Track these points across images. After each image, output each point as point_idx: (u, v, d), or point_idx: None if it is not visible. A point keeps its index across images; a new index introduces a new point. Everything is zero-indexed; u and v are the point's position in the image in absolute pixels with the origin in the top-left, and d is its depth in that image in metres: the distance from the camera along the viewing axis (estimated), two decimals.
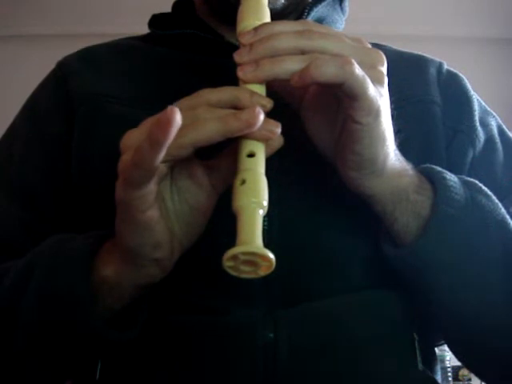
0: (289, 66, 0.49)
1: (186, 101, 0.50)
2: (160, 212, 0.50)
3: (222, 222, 0.49)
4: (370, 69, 0.51)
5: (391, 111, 0.54)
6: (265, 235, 0.46)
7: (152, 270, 0.53)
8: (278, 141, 0.50)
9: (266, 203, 0.46)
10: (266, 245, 0.45)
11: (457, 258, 0.56)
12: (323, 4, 0.72)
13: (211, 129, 0.46)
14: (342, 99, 0.51)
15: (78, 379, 0.63)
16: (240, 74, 0.50)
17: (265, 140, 0.49)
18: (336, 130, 0.55)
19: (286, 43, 0.50)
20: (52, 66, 0.75)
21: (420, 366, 0.62)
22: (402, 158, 0.58)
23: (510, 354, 0.60)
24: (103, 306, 0.54)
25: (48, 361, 0.57)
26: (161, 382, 0.59)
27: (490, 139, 0.72)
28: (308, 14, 0.71)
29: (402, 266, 0.58)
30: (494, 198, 0.59)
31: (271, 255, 0.45)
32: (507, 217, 0.59)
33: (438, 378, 0.67)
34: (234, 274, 0.46)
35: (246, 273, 0.46)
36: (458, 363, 0.68)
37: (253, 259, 0.45)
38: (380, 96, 0.51)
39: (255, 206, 0.46)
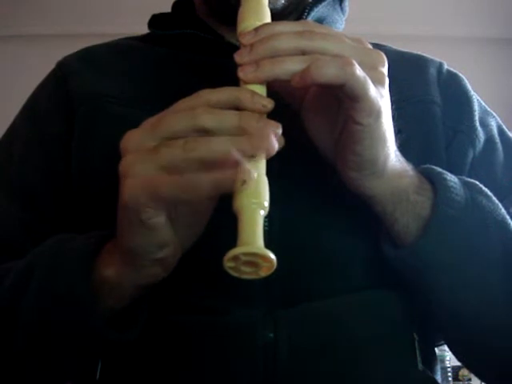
0: (289, 67, 0.49)
1: (186, 101, 0.49)
2: (166, 214, 0.50)
3: (222, 222, 0.49)
4: (371, 69, 0.51)
5: (392, 112, 0.54)
6: (265, 235, 0.46)
7: (154, 269, 0.53)
8: (278, 141, 0.50)
9: (266, 204, 0.46)
10: (267, 245, 0.45)
11: (457, 258, 0.56)
12: (323, 4, 0.72)
13: (221, 150, 0.46)
14: (342, 100, 0.51)
15: (78, 379, 0.63)
16: (241, 74, 0.50)
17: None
18: (336, 130, 0.55)
19: (286, 44, 0.50)
20: (52, 66, 0.75)
21: (420, 366, 0.62)
22: (402, 159, 0.58)
23: (509, 354, 0.60)
24: (104, 306, 0.54)
25: (48, 361, 0.57)
26: (161, 381, 0.59)
27: (489, 139, 0.72)
28: (308, 14, 0.71)
29: (402, 267, 0.58)
30: (494, 198, 0.59)
31: (272, 256, 0.45)
32: (507, 217, 0.59)
33: (438, 378, 0.67)
34: (234, 274, 0.46)
35: (247, 273, 0.46)
36: (458, 363, 0.68)
37: (254, 260, 0.45)
38: (381, 97, 0.51)
39: (256, 206, 0.46)
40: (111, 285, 0.54)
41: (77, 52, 0.75)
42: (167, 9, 0.77)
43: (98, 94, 0.68)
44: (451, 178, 0.58)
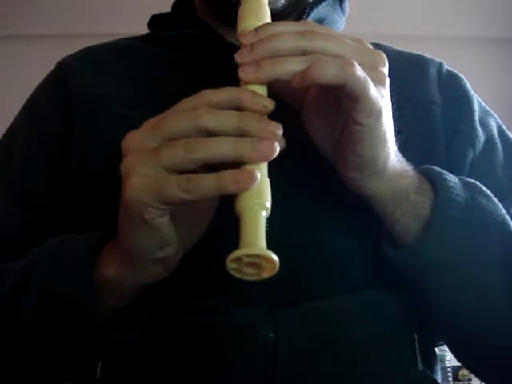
0: (290, 67, 0.49)
1: (187, 101, 0.49)
2: (169, 214, 0.50)
3: (223, 223, 0.49)
4: (372, 70, 0.51)
5: (392, 112, 0.54)
6: (266, 236, 0.46)
7: (155, 269, 0.53)
8: (279, 142, 0.50)
9: (269, 205, 0.46)
10: (267, 245, 0.45)
11: (457, 258, 0.56)
12: (324, 4, 0.72)
13: (223, 152, 0.46)
14: (343, 100, 0.51)
15: (78, 379, 0.63)
16: (241, 74, 0.50)
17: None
18: (337, 130, 0.55)
19: (286, 44, 0.50)
20: (52, 66, 0.75)
21: (420, 366, 0.62)
22: (402, 159, 0.58)
23: (509, 354, 0.60)
24: (104, 306, 0.54)
25: (48, 361, 0.57)
26: (161, 382, 0.59)
27: (489, 139, 0.71)
28: (308, 14, 0.71)
29: (403, 267, 0.58)
30: (494, 198, 0.59)
31: (275, 257, 0.45)
32: (507, 217, 0.59)
33: (438, 378, 0.67)
34: (237, 276, 0.46)
35: (250, 275, 0.46)
36: (458, 363, 0.68)
37: (256, 261, 0.45)
38: (381, 97, 0.51)
39: (258, 207, 0.46)
40: (112, 284, 0.54)
41: (77, 52, 0.75)
42: (167, 9, 0.77)
43: (98, 95, 0.68)
44: (451, 179, 0.58)
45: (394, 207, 0.57)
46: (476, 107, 0.72)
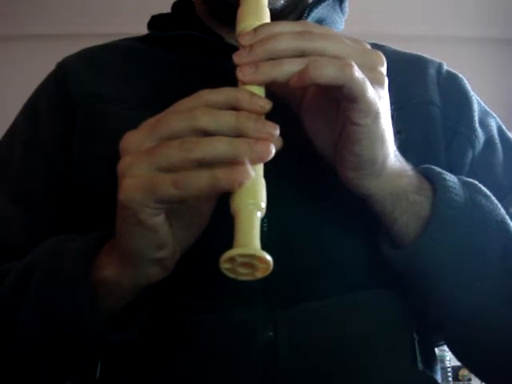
0: (288, 68, 0.49)
1: (185, 102, 0.49)
2: (165, 215, 0.50)
3: (222, 222, 0.49)
4: (370, 70, 0.51)
5: (391, 112, 0.54)
6: (265, 236, 0.46)
7: (152, 270, 0.53)
8: (276, 143, 0.50)
9: (263, 205, 0.46)
10: (266, 245, 0.45)
11: (456, 258, 0.56)
12: (323, 5, 0.72)
13: (219, 152, 0.46)
14: (341, 101, 0.52)
15: (78, 379, 0.63)
16: (239, 75, 0.50)
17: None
18: (335, 131, 0.55)
19: (285, 44, 0.50)
20: (52, 66, 0.75)
21: (420, 365, 0.62)
22: (401, 159, 0.58)
23: (509, 354, 0.60)
24: (103, 307, 0.54)
25: (48, 361, 0.57)
26: (161, 381, 0.59)
27: (489, 140, 0.71)
28: (308, 14, 0.71)
29: (402, 267, 0.58)
30: (493, 198, 0.59)
31: (269, 257, 0.45)
32: (507, 217, 0.59)
33: (438, 378, 0.67)
34: (231, 275, 0.46)
35: (244, 275, 0.46)
36: (458, 363, 0.69)
37: (250, 261, 0.45)
38: (379, 98, 0.51)
39: (253, 207, 0.46)
40: (110, 285, 0.54)
41: (77, 53, 0.76)
42: (167, 9, 0.77)
43: (98, 95, 0.68)
44: (451, 178, 0.58)
45: (393, 207, 0.57)
46: (475, 107, 0.72)
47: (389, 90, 0.53)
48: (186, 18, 0.74)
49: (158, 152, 0.47)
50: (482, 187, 0.60)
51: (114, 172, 0.49)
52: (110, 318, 0.55)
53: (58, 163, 0.67)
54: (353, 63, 0.49)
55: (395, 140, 0.56)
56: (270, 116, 0.49)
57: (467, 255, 0.57)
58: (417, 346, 0.62)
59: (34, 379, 0.59)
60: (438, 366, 0.69)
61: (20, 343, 0.56)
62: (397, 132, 0.56)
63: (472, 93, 0.74)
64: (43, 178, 0.68)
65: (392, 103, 0.54)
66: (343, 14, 0.77)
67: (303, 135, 0.57)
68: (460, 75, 0.76)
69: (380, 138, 0.53)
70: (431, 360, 0.67)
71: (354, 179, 0.55)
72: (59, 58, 0.75)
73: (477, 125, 0.71)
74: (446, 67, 0.75)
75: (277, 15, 0.63)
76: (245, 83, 0.50)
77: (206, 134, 0.47)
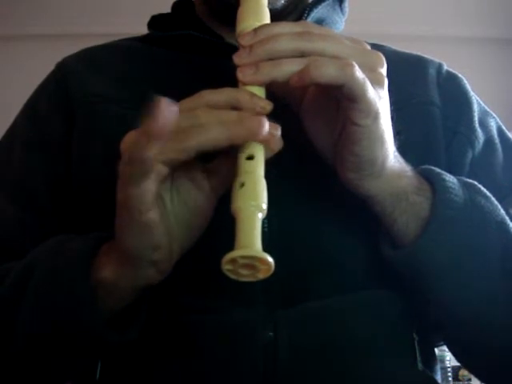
0: (288, 68, 0.49)
1: (186, 102, 0.50)
2: (160, 215, 0.50)
3: (222, 222, 0.49)
4: (370, 71, 0.51)
5: (391, 113, 0.54)
6: (265, 236, 0.46)
7: (150, 272, 0.53)
8: (277, 143, 0.50)
9: (265, 206, 0.46)
10: (267, 245, 0.45)
11: (456, 258, 0.56)
12: (323, 5, 0.72)
13: (215, 134, 0.46)
14: (341, 101, 0.52)
15: (78, 379, 0.63)
16: (239, 75, 0.50)
17: (264, 142, 0.49)
18: (335, 131, 0.55)
19: (285, 45, 0.50)
20: (52, 66, 0.75)
21: (420, 366, 0.62)
22: (401, 160, 0.58)
23: (509, 355, 0.60)
24: (103, 307, 0.54)
25: (48, 361, 0.57)
26: (161, 381, 0.59)
27: (489, 140, 0.72)
28: (308, 14, 0.71)
29: (402, 267, 0.58)
30: (493, 199, 0.59)
31: (270, 259, 0.45)
32: (506, 218, 0.59)
33: (438, 378, 0.67)
34: (232, 277, 0.46)
35: (245, 276, 0.46)
36: (458, 363, 0.68)
37: (252, 263, 0.45)
38: (379, 98, 0.51)
39: (254, 209, 0.46)
40: (109, 286, 0.54)
41: (76, 53, 0.76)
42: (167, 9, 0.77)
43: (98, 95, 0.68)
44: (450, 179, 0.58)
45: (392, 207, 0.57)
46: (475, 108, 0.72)
47: (389, 91, 0.53)
48: (186, 18, 0.74)
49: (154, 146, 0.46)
50: (482, 188, 0.60)
51: (113, 172, 0.49)
52: (109, 318, 0.55)
53: (58, 163, 0.67)
54: (353, 63, 0.49)
55: (395, 141, 0.56)
56: (271, 116, 0.49)
57: (467, 256, 0.57)
58: (417, 346, 0.62)
59: (33, 379, 0.59)
60: (438, 366, 0.69)
61: (20, 343, 0.56)
62: (396, 132, 0.56)
63: (472, 93, 0.74)
64: (43, 178, 0.68)
65: (392, 104, 0.54)
66: (343, 14, 0.77)
67: (303, 135, 0.57)
68: (460, 75, 0.76)
69: (380, 139, 0.53)
70: (431, 360, 0.67)
71: (353, 180, 0.56)
72: (59, 58, 0.75)
73: (477, 125, 0.71)
74: (445, 67, 0.75)
75: (277, 15, 0.63)
76: (245, 84, 0.50)
77: None
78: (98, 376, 0.61)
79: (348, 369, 0.58)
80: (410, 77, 0.71)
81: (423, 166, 0.60)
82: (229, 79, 0.51)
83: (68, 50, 0.78)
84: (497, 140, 0.72)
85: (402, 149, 0.58)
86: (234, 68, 0.51)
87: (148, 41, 0.75)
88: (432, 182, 0.58)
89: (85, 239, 0.57)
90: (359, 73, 0.49)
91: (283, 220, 0.59)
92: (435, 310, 0.61)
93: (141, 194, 0.48)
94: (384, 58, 0.53)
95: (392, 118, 0.55)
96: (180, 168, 0.51)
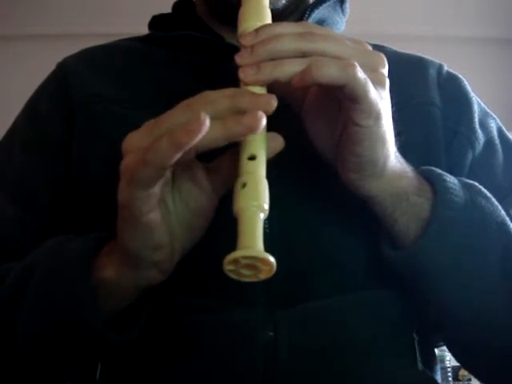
0: (290, 68, 0.49)
1: (187, 102, 0.50)
2: (161, 215, 0.50)
3: (223, 222, 0.49)
4: (372, 71, 0.51)
5: (392, 113, 0.54)
6: (266, 237, 0.46)
7: (151, 272, 0.53)
8: (279, 143, 0.50)
9: (266, 206, 0.46)
10: (267, 246, 0.45)
11: (456, 259, 0.56)
12: (324, 5, 0.72)
13: (214, 133, 0.46)
14: (342, 101, 0.52)
15: (78, 379, 0.63)
16: (241, 75, 0.50)
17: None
18: (336, 131, 0.55)
19: (287, 45, 0.50)
20: (52, 66, 0.75)
21: (420, 366, 0.62)
22: (402, 160, 0.58)
23: (509, 355, 0.60)
24: (103, 308, 0.54)
25: (48, 361, 0.57)
26: (161, 382, 0.59)
27: (489, 141, 0.72)
28: (309, 15, 0.71)
29: (402, 267, 0.58)
30: (493, 199, 0.59)
31: (272, 259, 0.45)
32: (507, 218, 0.59)
33: (438, 378, 0.67)
34: (234, 277, 0.46)
35: (247, 276, 0.46)
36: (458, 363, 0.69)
37: (253, 263, 0.45)
38: (381, 99, 0.51)
39: (256, 209, 0.46)
40: (110, 286, 0.54)
41: (76, 53, 0.76)
42: (168, 9, 0.77)
43: (98, 95, 0.68)
44: (451, 180, 0.58)
45: (393, 208, 0.57)
46: (476, 108, 0.72)
47: (390, 91, 0.53)
48: (186, 18, 0.74)
49: (152, 147, 0.46)
50: (482, 188, 0.60)
51: (114, 172, 0.49)
52: (110, 318, 0.55)
53: (58, 163, 0.67)
54: (355, 63, 0.49)
55: (395, 141, 0.56)
56: (272, 117, 0.49)
57: (467, 256, 0.57)
58: (417, 346, 0.62)
59: (34, 379, 0.59)
60: (438, 366, 0.69)
61: (20, 343, 0.56)
62: (397, 133, 0.56)
63: (472, 94, 0.74)
64: (43, 179, 0.67)
65: (393, 105, 0.54)
66: (344, 14, 0.77)
67: (304, 136, 0.57)
68: (460, 76, 0.76)
69: (381, 139, 0.53)
70: (431, 360, 0.67)
71: (354, 180, 0.56)
72: (59, 58, 0.75)
73: (477, 126, 0.71)
74: (446, 68, 0.76)
75: (278, 15, 0.63)
76: (247, 84, 0.50)
77: None
78: (97, 376, 0.61)
79: (348, 369, 0.58)
80: (410, 78, 0.71)
81: (424, 167, 0.60)
82: (229, 79, 0.51)
83: (68, 50, 0.78)
84: (497, 141, 0.72)
85: (402, 149, 0.58)
86: (234, 68, 0.51)
87: (148, 41, 0.75)
88: (433, 183, 0.58)
89: (85, 239, 0.57)
90: (361, 73, 0.49)
91: (284, 220, 0.59)
92: (435, 310, 0.61)
93: (146, 197, 0.48)
94: (385, 59, 0.53)
95: (393, 119, 0.55)
96: (181, 168, 0.51)
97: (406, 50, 0.78)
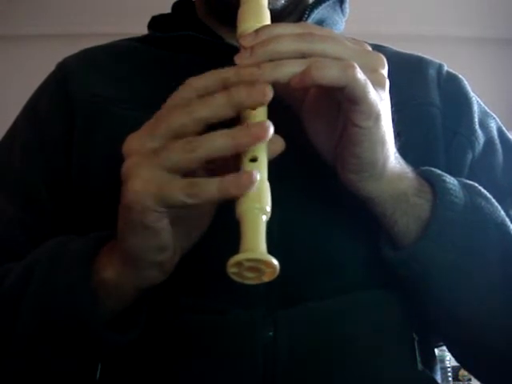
0: (290, 69, 0.49)
1: (178, 94, 0.50)
2: (168, 218, 0.50)
3: (224, 223, 0.49)
4: (371, 72, 0.51)
5: (392, 114, 0.54)
6: (266, 239, 0.46)
7: (153, 272, 0.53)
8: (279, 145, 0.50)
9: (269, 209, 0.46)
10: (267, 246, 0.45)
11: (456, 260, 0.56)
12: (324, 5, 0.72)
13: (221, 145, 0.46)
14: (342, 102, 0.52)
15: (78, 380, 0.63)
16: None
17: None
18: (336, 132, 0.55)
19: (286, 46, 0.50)
20: (52, 66, 0.75)
21: (420, 366, 0.62)
22: (402, 161, 0.58)
23: (509, 355, 0.60)
24: (103, 308, 0.54)
25: (47, 362, 0.57)
26: (160, 382, 0.59)
27: (489, 141, 0.71)
28: (308, 15, 0.71)
29: (402, 268, 0.58)
30: (493, 200, 0.59)
31: (275, 262, 0.45)
32: (507, 219, 0.59)
33: (438, 378, 0.67)
34: (238, 280, 0.46)
35: (250, 279, 0.46)
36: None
37: (257, 266, 0.45)
38: (380, 100, 0.51)
39: (258, 211, 0.46)
40: (110, 287, 0.54)
41: (77, 53, 0.76)
42: (167, 9, 0.77)
43: (98, 96, 0.68)
44: (450, 181, 0.58)
45: (393, 209, 0.57)
46: (475, 108, 0.72)
47: (389, 92, 0.53)
48: (186, 19, 0.74)
49: (162, 155, 0.47)
50: (482, 189, 0.60)
51: (114, 172, 0.49)
52: (109, 319, 0.55)
53: (58, 164, 0.67)
54: (355, 64, 0.49)
55: (395, 142, 0.56)
56: (272, 117, 0.49)
57: (467, 257, 0.57)
58: (417, 346, 0.62)
59: (33, 380, 0.59)
60: (438, 366, 0.69)
61: (20, 344, 0.56)
62: (397, 134, 0.56)
63: (472, 94, 0.74)
64: (43, 179, 0.67)
65: (392, 105, 0.54)
66: (343, 14, 0.77)
67: (304, 137, 0.57)
68: (460, 76, 0.76)
69: (381, 140, 0.53)
70: (431, 360, 0.67)
71: (354, 181, 0.56)
72: (59, 58, 0.75)
73: (477, 126, 0.71)
74: (446, 68, 0.75)
75: (277, 16, 0.63)
76: None
77: (206, 123, 0.47)
78: (98, 376, 0.61)
79: (348, 369, 0.58)
80: (410, 78, 0.71)
81: (423, 168, 0.60)
82: None
83: (68, 50, 0.78)
84: (497, 141, 0.72)
85: (402, 150, 0.58)
86: None
87: (148, 41, 0.75)
88: (432, 184, 0.58)
89: (85, 240, 0.57)
90: (360, 74, 0.49)
91: (283, 221, 0.59)
92: (435, 310, 0.61)
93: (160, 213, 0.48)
94: (385, 59, 0.53)
95: (392, 120, 0.55)
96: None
97: (406, 50, 0.78)
